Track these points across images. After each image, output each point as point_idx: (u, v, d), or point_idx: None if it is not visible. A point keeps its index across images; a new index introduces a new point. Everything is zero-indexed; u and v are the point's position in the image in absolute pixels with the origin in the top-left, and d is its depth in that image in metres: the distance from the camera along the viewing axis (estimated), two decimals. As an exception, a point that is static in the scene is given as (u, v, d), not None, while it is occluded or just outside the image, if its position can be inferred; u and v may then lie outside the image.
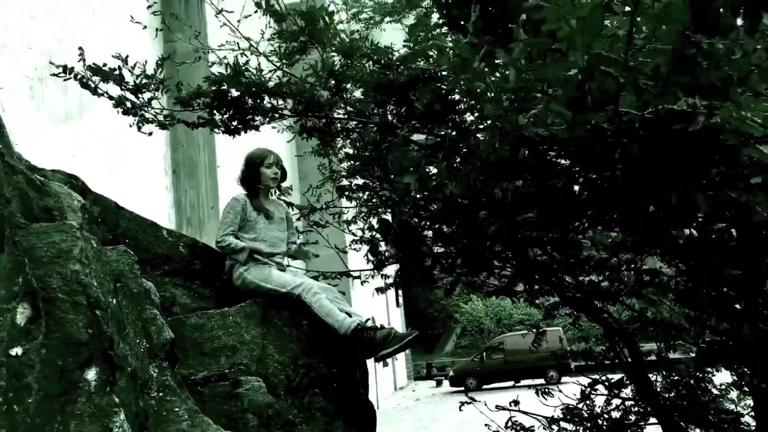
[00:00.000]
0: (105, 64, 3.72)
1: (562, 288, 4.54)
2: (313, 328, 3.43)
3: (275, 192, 4.29)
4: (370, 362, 3.77)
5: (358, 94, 4.63)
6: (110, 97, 3.85)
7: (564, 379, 20.40)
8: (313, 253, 4.24)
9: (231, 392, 2.84)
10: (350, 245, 5.65)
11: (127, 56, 3.72)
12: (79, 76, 3.69)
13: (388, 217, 5.09)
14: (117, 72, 3.73)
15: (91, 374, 1.86)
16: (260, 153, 3.99)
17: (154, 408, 2.26)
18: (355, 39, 4.32)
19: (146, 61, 3.86)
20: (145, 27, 4.65)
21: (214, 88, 4.09)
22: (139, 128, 4.01)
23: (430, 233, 4.59)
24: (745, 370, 3.96)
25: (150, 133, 4.06)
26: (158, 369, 2.41)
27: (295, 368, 3.24)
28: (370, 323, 3.43)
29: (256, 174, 3.91)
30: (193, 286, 3.64)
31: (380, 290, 5.75)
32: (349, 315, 3.43)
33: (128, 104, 3.88)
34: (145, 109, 3.99)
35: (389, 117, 4.48)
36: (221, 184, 11.28)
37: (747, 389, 4.26)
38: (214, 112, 4.13)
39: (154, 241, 3.68)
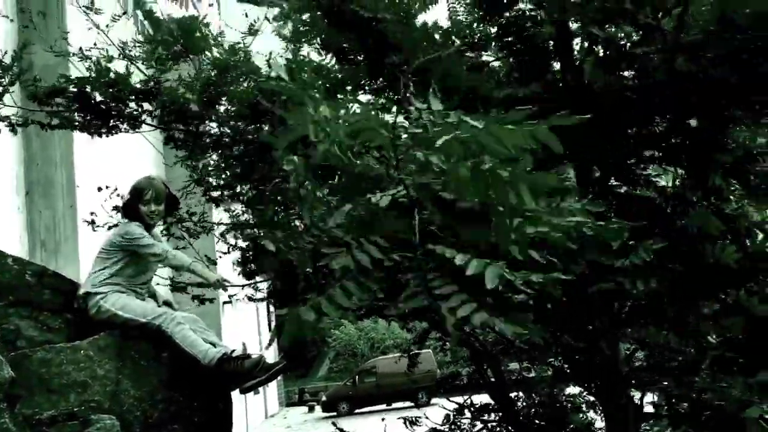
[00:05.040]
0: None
1: (431, 312, 4.63)
2: (175, 360, 3.28)
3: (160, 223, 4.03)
4: (236, 392, 3.65)
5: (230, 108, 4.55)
6: None
7: (434, 400, 20.80)
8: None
9: (81, 432, 2.65)
10: (219, 254, 5.50)
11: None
12: None
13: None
14: None
15: None
16: (140, 187, 3.62)
17: (-13, 455, 2.05)
18: (232, 54, 4.25)
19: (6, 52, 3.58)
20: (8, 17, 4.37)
21: (75, 89, 3.86)
22: None
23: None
24: (594, 386, 4.21)
25: None
26: (-6, 411, 2.19)
27: (152, 403, 3.07)
28: (237, 353, 3.32)
29: (135, 207, 3.62)
30: (41, 317, 3.36)
31: (251, 299, 5.65)
32: (214, 345, 3.31)
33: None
34: None
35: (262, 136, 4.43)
36: (80, 204, 10.62)
37: (598, 404, 4.53)
38: (74, 113, 3.89)
39: (-4, 270, 3.38)
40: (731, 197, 3.77)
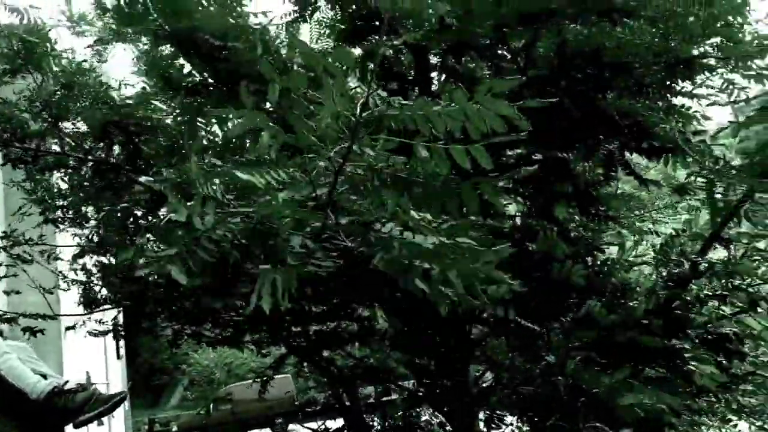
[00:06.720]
0: None
1: (289, 338, 4.57)
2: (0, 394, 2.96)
3: None
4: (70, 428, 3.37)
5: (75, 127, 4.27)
6: None
7: (291, 426, 20.49)
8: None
9: None
10: (60, 281, 5.12)
11: None
12: None
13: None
14: None
15: None
16: None
17: None
18: (79, 70, 4.02)
19: None
20: None
21: None
22: None
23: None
24: (446, 409, 4.32)
25: None
26: None
27: (-32, 444, 2.76)
28: (69, 385, 3.06)
29: None
30: None
31: (93, 334, 5.26)
32: (45, 377, 3.03)
33: None
34: None
35: (112, 157, 4.22)
36: None
37: (449, 427, 4.65)
38: None
39: None
40: (573, 223, 4.05)
